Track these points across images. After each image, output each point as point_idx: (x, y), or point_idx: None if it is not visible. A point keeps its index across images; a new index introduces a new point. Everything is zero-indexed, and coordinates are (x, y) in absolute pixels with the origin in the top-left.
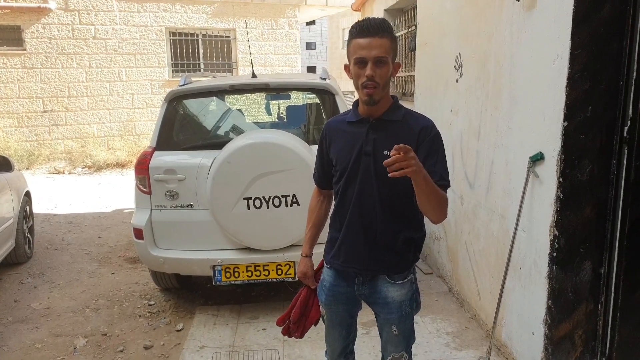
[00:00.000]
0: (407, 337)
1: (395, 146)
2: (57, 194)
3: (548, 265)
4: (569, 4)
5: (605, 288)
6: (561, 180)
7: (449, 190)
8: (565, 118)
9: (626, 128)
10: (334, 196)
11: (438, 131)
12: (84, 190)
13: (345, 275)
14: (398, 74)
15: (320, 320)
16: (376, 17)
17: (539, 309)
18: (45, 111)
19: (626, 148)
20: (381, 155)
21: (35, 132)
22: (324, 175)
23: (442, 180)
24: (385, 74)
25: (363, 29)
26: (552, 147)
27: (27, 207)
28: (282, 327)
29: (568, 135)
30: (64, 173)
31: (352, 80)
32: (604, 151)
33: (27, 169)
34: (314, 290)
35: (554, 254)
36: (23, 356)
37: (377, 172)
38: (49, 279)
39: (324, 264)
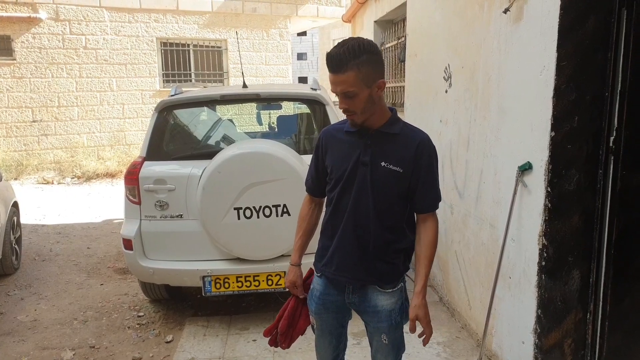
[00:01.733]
0: (397, 347)
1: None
2: (45, 205)
3: (537, 274)
4: (555, 16)
5: (593, 297)
6: (549, 189)
7: None
8: (553, 128)
9: (612, 138)
10: (326, 204)
11: (433, 146)
12: (73, 201)
13: (336, 284)
14: (388, 85)
15: (310, 329)
16: (349, 39)
17: (529, 318)
18: (34, 121)
19: (612, 158)
20: (379, 166)
21: (24, 142)
22: (317, 183)
23: (433, 206)
24: (360, 103)
25: (328, 62)
26: (540, 157)
27: (15, 218)
28: (269, 338)
29: (555, 145)
30: (53, 183)
31: None
32: (591, 161)
33: (16, 179)
34: (302, 300)
35: (543, 263)
36: None
37: (373, 182)
38: (36, 290)
39: (315, 272)
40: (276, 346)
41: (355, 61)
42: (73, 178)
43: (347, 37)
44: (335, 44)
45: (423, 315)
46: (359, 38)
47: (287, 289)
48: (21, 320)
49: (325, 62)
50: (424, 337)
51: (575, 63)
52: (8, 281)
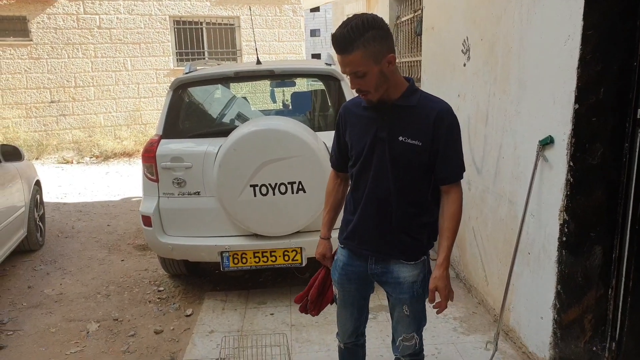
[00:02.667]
0: (419, 319)
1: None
2: (66, 184)
3: (557, 250)
4: None
5: (616, 272)
6: (571, 164)
7: None
8: (577, 100)
9: (639, 110)
10: (350, 179)
11: (454, 116)
12: (92, 180)
13: (360, 255)
14: (404, 59)
15: (333, 301)
16: (352, 17)
17: (548, 294)
18: (52, 101)
19: (639, 130)
20: (396, 141)
21: (44, 123)
22: (341, 158)
23: (454, 177)
24: (370, 81)
25: (334, 44)
26: (563, 131)
27: (38, 196)
28: (299, 305)
29: (579, 119)
30: (72, 163)
31: None
32: (616, 134)
33: (37, 158)
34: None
35: (564, 239)
36: (38, 340)
37: (391, 158)
38: (60, 265)
39: (339, 244)
40: (306, 313)
41: (361, 39)
42: (92, 157)
43: (357, 14)
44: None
45: (442, 286)
46: (362, 15)
47: (318, 260)
48: (48, 294)
49: None
50: (438, 308)
51: (602, 32)
52: (34, 257)
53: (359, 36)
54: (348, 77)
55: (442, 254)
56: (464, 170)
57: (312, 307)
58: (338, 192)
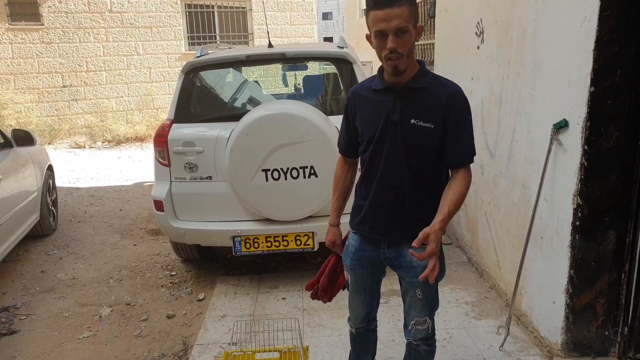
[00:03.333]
0: (431, 303)
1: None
2: (78, 168)
3: (570, 234)
4: None
5: (629, 257)
6: (586, 147)
7: None
8: (592, 83)
9: None
10: (360, 165)
11: (465, 98)
12: (104, 164)
13: (371, 240)
14: (417, 42)
15: (345, 286)
16: None
17: (561, 278)
18: (64, 86)
19: None
20: (408, 124)
21: (56, 107)
22: (350, 144)
23: (463, 161)
24: (408, 43)
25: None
26: (577, 114)
27: (50, 181)
28: (310, 292)
29: (594, 101)
30: (84, 147)
31: (371, 50)
32: (632, 117)
33: (49, 143)
34: (341, 258)
35: (577, 223)
36: (51, 324)
37: (404, 141)
38: (73, 250)
39: (350, 229)
40: (318, 299)
41: None
42: (104, 142)
43: None
44: (361, 2)
45: (434, 237)
46: None
47: (328, 247)
48: (61, 279)
49: (348, 22)
50: (429, 272)
51: (620, 12)
52: (47, 241)
53: None
54: (383, 36)
55: (440, 215)
56: (474, 154)
57: (322, 294)
58: (347, 178)
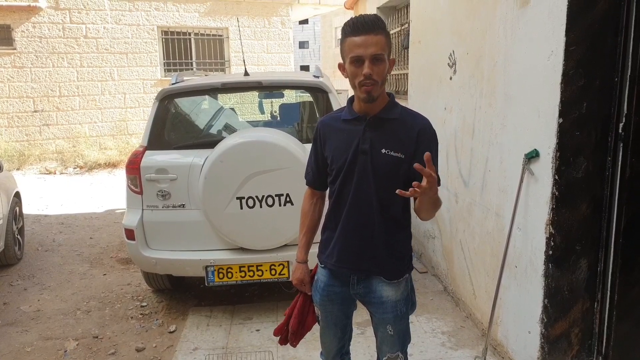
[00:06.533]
0: (403, 337)
1: (422, 167)
2: (48, 195)
3: (544, 263)
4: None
5: (601, 286)
6: (557, 177)
7: (442, 188)
8: (560, 115)
9: (621, 125)
10: (329, 196)
11: (434, 131)
12: (75, 191)
13: (340, 275)
14: (392, 72)
15: (316, 321)
16: (369, 13)
17: (535, 308)
18: (36, 111)
19: (621, 145)
20: (379, 153)
21: (26, 132)
22: (318, 175)
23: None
24: (383, 70)
25: (358, 26)
26: (547, 144)
27: (17, 208)
28: (278, 338)
29: (563, 132)
30: (55, 173)
31: (345, 79)
32: (599, 148)
33: (18, 169)
34: (310, 297)
35: (550, 252)
36: None
37: (374, 170)
38: (39, 280)
39: (319, 263)
40: (286, 344)
41: (384, 26)
42: (75, 168)
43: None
44: (337, 32)
45: (433, 180)
46: None
47: (295, 287)
48: (24, 311)
49: (325, 51)
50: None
51: (585, 48)
52: (11, 271)
53: (383, 24)
54: (358, 63)
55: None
56: (439, 185)
57: (293, 338)
58: (315, 212)
